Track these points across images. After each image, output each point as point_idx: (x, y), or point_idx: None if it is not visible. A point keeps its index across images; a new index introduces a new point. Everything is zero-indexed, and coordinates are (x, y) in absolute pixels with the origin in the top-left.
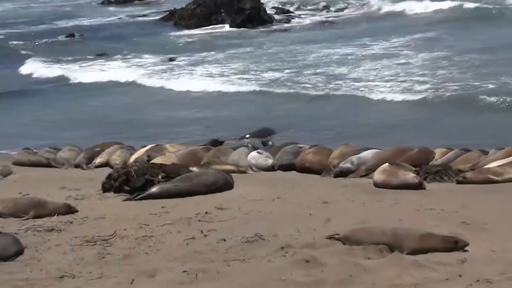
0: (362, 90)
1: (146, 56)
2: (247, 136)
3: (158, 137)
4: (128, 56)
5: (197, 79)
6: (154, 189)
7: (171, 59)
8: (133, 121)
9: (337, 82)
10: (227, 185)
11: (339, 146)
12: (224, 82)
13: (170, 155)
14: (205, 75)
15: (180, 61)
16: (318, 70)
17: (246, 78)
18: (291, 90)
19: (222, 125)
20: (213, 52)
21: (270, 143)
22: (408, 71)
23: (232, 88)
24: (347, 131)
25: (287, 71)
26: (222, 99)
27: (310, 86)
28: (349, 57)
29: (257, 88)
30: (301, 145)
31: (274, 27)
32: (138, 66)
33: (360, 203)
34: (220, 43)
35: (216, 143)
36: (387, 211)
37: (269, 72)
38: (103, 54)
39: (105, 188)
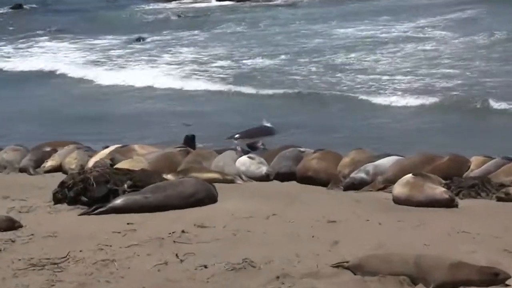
0: (363, 89)
1: (108, 36)
2: (236, 136)
3: (124, 136)
4: (81, 36)
5: (160, 69)
6: (118, 201)
7: (139, 40)
8: (92, 116)
9: (336, 75)
10: (210, 198)
11: (351, 151)
12: (187, 76)
13: (139, 159)
14: (173, 63)
15: (149, 42)
16: (319, 58)
17: (222, 67)
18: (266, 85)
19: (205, 124)
20: (196, 32)
21: (260, 146)
22: (434, 62)
23: (193, 85)
24: (359, 133)
25: (282, 57)
26: (186, 96)
27: (300, 78)
28: (362, 41)
29: (222, 87)
30: (303, 149)
31: (278, 0)
32: (93, 49)
33: (375, 223)
34: (206, 19)
35: (188, 140)
36: (410, 234)
37: (257, 58)
38: (53, 31)
39: (57, 199)
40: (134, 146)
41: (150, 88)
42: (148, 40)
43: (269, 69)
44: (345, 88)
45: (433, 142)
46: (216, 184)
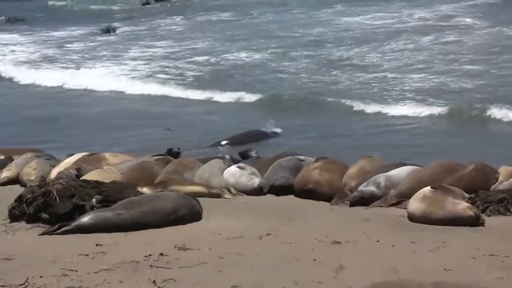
0: (361, 91)
1: (73, 27)
2: (223, 143)
3: (93, 143)
4: (38, 27)
5: (121, 68)
6: (85, 219)
7: (108, 31)
8: (55, 119)
9: (332, 73)
10: (193, 215)
11: (360, 160)
12: (149, 76)
13: (110, 169)
14: (141, 59)
15: (119, 34)
16: (316, 52)
17: (198, 64)
18: (241, 86)
19: (186, 129)
20: (177, 19)
21: (254, 154)
22: (453, 57)
23: (152, 88)
24: (365, 140)
25: (271, 51)
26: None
27: (287, 77)
28: (372, 31)
29: (181, 92)
30: (302, 158)
31: None
32: (49, 41)
33: (388, 244)
34: (190, 5)
35: (171, 154)
36: (427, 258)
37: (242, 53)
38: (4, 21)
39: (14, 216)
40: (104, 154)
41: (111, 90)
42: (119, 31)
43: (253, 66)
44: (340, 89)
45: (445, 151)
46: (200, 199)
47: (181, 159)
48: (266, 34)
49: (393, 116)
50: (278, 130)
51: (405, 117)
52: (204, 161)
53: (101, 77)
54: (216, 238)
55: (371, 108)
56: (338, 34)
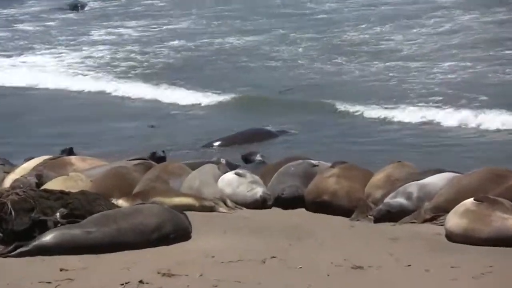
0: (372, 84)
1: (32, 0)
2: (215, 144)
3: (56, 144)
4: None
5: (81, 54)
6: (47, 238)
7: (75, 7)
8: (10, 118)
9: (334, 61)
10: (180, 233)
11: (386, 166)
12: (112, 66)
13: (77, 176)
14: (99, 44)
15: (87, 11)
16: (320, 35)
17: (172, 50)
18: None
19: (171, 127)
20: None
21: (258, 158)
22: (500, 37)
23: (110, 86)
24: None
25: (267, 34)
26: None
27: (277, 65)
28: (399, 6)
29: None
30: (315, 162)
31: None
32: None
33: (421, 269)
34: None
35: (155, 159)
36: (471, 286)
37: (232, 35)
38: None
39: None
40: (70, 158)
41: (47, 88)
42: (88, 7)
43: (240, 51)
44: (342, 82)
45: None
46: (189, 213)
47: (166, 164)
48: (265, 11)
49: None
50: (291, 130)
51: (423, 124)
52: (194, 166)
53: (41, 69)
54: (209, 262)
55: (375, 112)
56: (357, 11)
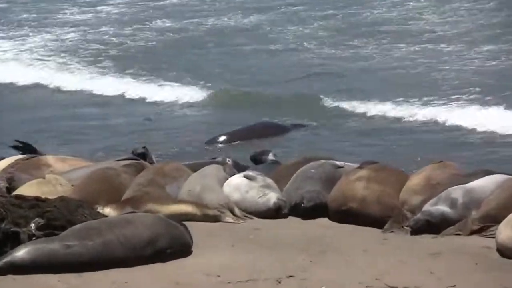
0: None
1: None
2: (221, 139)
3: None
4: None
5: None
6: (20, 253)
7: None
8: None
9: (352, 44)
10: (179, 247)
11: (425, 167)
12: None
13: (55, 180)
14: (70, 25)
15: None
16: (341, 10)
17: (158, 30)
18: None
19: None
20: None
21: (271, 157)
22: None
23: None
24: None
25: (270, 12)
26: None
27: (275, 48)
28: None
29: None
30: (340, 163)
31: None
32: None
33: None
34: None
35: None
36: None
37: (226, 16)
38: None
39: None
40: (46, 157)
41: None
42: None
43: (236, 32)
44: (357, 68)
45: None
46: (189, 223)
47: (162, 165)
48: None
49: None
50: (306, 122)
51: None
52: (195, 168)
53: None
54: (213, 282)
55: (399, 109)
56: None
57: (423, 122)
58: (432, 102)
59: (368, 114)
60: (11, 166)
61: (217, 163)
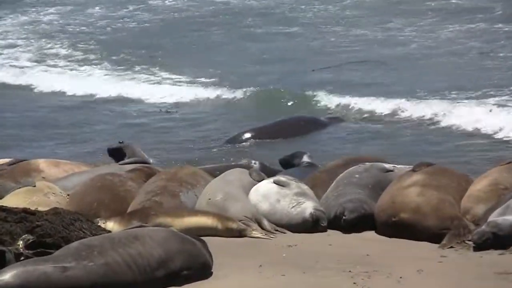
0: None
1: None
2: (245, 136)
3: (21, 144)
4: None
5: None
6: (6, 277)
7: None
8: None
9: (388, 25)
10: (197, 268)
11: (491, 170)
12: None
13: (47, 188)
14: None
15: None
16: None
17: (158, 10)
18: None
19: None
20: None
21: (306, 159)
22: None
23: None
24: None
25: None
26: None
27: (298, 31)
28: None
29: None
30: (389, 166)
31: None
32: None
33: None
34: None
35: (114, 155)
36: None
37: None
38: None
39: None
40: (37, 162)
41: None
42: None
43: (250, 11)
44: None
45: None
46: (209, 239)
47: (176, 170)
48: None
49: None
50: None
51: None
52: (215, 172)
53: None
54: None
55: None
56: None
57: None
58: (486, 98)
59: (414, 116)
60: None
61: (242, 166)
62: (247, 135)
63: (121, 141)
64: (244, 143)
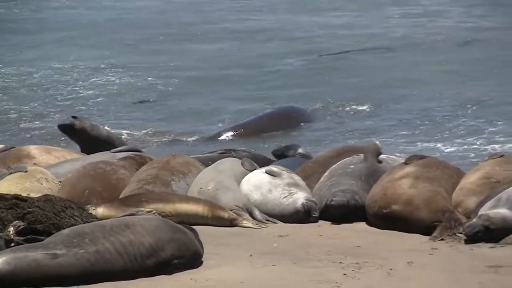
0: None
1: None
2: (229, 133)
3: (12, 130)
4: None
5: None
6: None
7: None
8: None
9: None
10: (187, 257)
11: (483, 163)
12: None
13: (39, 174)
14: None
15: None
16: None
17: None
18: None
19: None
20: None
21: (300, 151)
22: None
23: None
24: None
25: None
26: None
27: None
28: None
29: None
30: (384, 157)
31: None
32: None
33: None
34: None
35: (67, 131)
36: None
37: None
38: None
39: None
40: (29, 148)
41: None
42: None
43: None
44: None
45: None
46: (200, 228)
47: (168, 158)
48: None
49: None
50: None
51: None
52: (207, 161)
53: None
54: None
55: None
56: None
57: None
58: None
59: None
60: None
61: (234, 156)
62: (228, 132)
63: (73, 116)
64: (229, 138)
